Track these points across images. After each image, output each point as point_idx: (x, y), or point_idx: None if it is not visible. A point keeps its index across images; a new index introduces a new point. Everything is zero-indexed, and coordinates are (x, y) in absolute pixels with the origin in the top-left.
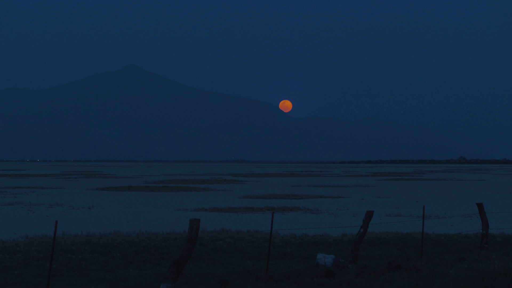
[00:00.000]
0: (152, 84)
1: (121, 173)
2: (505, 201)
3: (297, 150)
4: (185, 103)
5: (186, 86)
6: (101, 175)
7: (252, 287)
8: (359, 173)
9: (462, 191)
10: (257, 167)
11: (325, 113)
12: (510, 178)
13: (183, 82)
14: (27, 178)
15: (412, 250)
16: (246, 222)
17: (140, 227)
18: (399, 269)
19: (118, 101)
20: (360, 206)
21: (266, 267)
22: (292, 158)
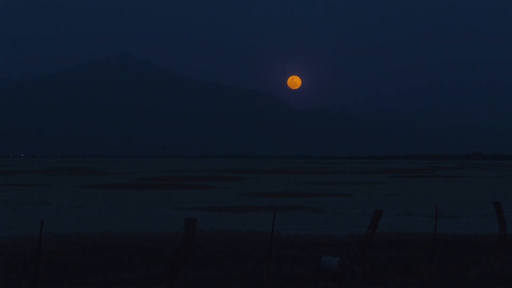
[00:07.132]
0: (144, 74)
1: (112, 169)
2: None
3: (300, 145)
4: (180, 94)
5: (182, 75)
6: (91, 171)
7: None
8: (366, 169)
9: (478, 188)
10: (258, 163)
11: (330, 105)
12: None
13: (178, 72)
14: (11, 175)
15: (423, 252)
16: (246, 221)
17: (133, 227)
18: (409, 272)
19: (109, 91)
20: (368, 205)
21: (267, 270)
22: (295, 153)
